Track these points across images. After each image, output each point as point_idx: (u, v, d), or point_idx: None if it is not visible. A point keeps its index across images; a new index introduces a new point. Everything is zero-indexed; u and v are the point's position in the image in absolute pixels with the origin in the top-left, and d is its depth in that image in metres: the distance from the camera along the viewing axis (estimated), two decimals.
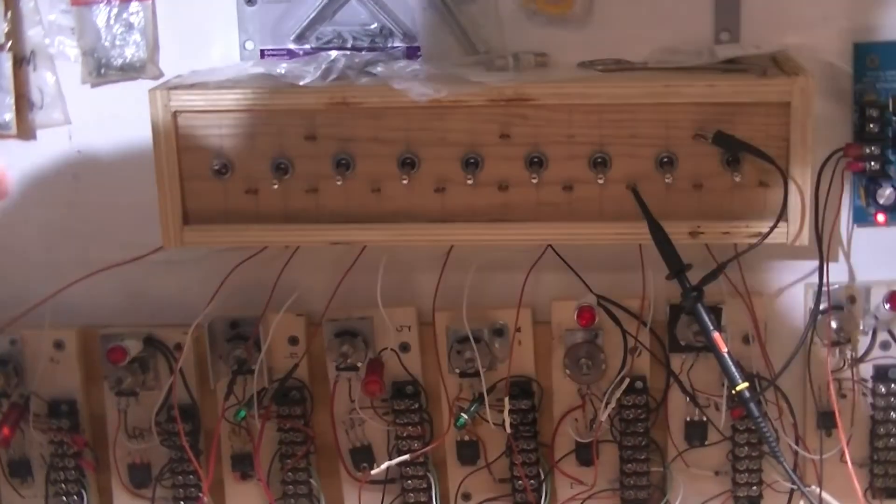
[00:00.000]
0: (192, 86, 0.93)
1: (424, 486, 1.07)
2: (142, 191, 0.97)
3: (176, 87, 0.93)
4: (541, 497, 1.06)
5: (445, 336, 1.03)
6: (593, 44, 0.97)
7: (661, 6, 0.97)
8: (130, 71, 1.01)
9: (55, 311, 1.04)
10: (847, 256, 1.01)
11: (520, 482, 1.05)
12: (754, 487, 1.04)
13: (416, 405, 1.05)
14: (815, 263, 0.98)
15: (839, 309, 1.00)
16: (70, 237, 1.05)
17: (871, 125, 0.95)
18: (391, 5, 0.98)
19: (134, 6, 1.00)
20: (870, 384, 1.02)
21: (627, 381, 1.02)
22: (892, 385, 1.01)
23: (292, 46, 1.00)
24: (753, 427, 1.00)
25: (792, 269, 1.01)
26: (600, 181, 0.91)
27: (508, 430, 1.03)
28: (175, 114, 0.92)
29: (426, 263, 1.02)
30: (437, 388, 1.04)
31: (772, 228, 0.90)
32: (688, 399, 1.02)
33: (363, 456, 1.07)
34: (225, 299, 1.03)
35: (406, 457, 1.05)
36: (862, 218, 0.99)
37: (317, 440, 1.07)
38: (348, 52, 0.97)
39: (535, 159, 0.92)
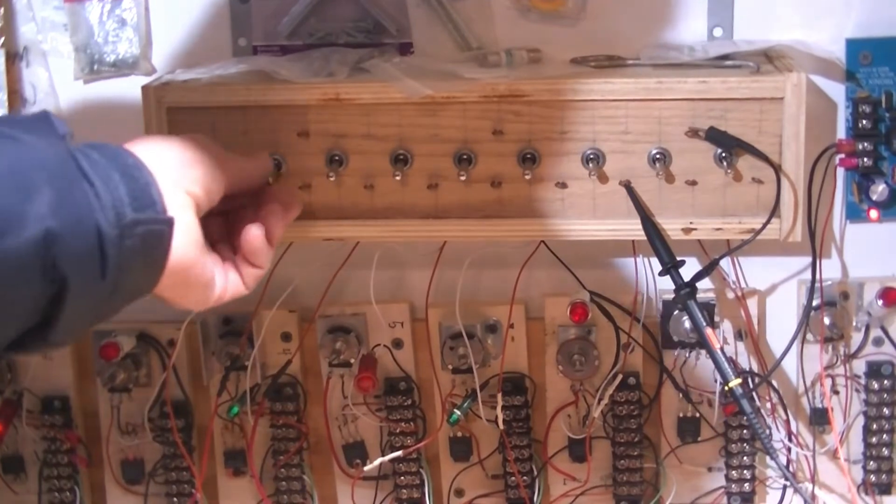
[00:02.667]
0: (185, 82, 0.93)
1: (417, 482, 1.07)
2: None
3: (169, 84, 0.93)
4: (534, 493, 1.06)
5: (438, 332, 1.03)
6: (586, 40, 0.97)
7: (654, 2, 0.97)
8: (123, 67, 1.01)
9: None
10: (840, 253, 1.01)
11: (513, 478, 1.06)
12: (747, 484, 1.04)
13: (409, 401, 1.05)
14: (808, 260, 0.98)
15: (832, 305, 1.00)
16: None
17: (864, 121, 0.95)
18: (384, 1, 0.98)
19: (127, 2, 1.00)
20: (863, 380, 1.02)
21: (620, 377, 1.02)
22: (885, 381, 1.01)
23: (285, 43, 0.99)
24: (746, 423, 1.00)
25: (785, 266, 1.01)
26: (593, 177, 0.91)
27: (501, 426, 1.03)
28: (168, 110, 0.92)
29: (419, 260, 1.02)
30: (430, 384, 1.05)
31: (764, 224, 0.90)
32: (681, 395, 1.02)
33: (356, 452, 1.07)
34: None
35: (399, 453, 1.05)
36: (855, 214, 0.99)
37: (310, 436, 1.07)
38: (341, 49, 0.97)
39: (528, 155, 0.91)
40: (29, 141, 0.61)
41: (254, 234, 0.79)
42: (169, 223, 0.68)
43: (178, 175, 0.71)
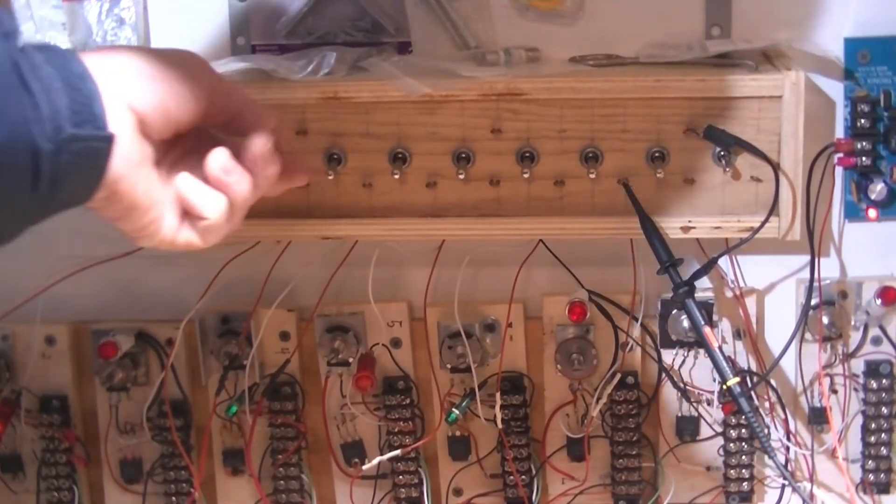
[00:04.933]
0: None
1: (416, 481, 1.07)
2: None
3: None
4: (532, 492, 1.06)
5: (437, 331, 1.03)
6: (585, 39, 0.97)
7: (653, 1, 0.97)
8: None
9: (46, 306, 1.04)
10: (838, 252, 1.01)
11: (511, 477, 1.05)
12: (746, 483, 1.04)
13: (408, 400, 1.05)
14: (807, 259, 0.98)
15: (830, 304, 1.00)
16: (62, 232, 1.05)
17: (863, 120, 0.95)
18: (382, 0, 0.98)
19: (125, 1, 1.00)
20: (861, 379, 1.02)
21: (619, 376, 1.02)
22: (884, 380, 1.01)
23: (283, 42, 0.99)
24: (745, 422, 1.00)
25: (783, 265, 1.01)
26: (592, 176, 0.91)
27: (500, 425, 1.03)
28: None
29: (418, 258, 1.02)
30: (429, 383, 1.04)
31: (763, 223, 0.90)
32: (679, 394, 1.02)
33: (354, 451, 1.07)
34: (216, 294, 1.03)
35: (397, 452, 1.05)
36: (853, 213, 0.99)
37: (308, 435, 1.07)
38: (339, 47, 0.97)
39: (527, 154, 0.91)
40: None
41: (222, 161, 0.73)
42: (109, 140, 0.64)
43: (129, 89, 0.67)
